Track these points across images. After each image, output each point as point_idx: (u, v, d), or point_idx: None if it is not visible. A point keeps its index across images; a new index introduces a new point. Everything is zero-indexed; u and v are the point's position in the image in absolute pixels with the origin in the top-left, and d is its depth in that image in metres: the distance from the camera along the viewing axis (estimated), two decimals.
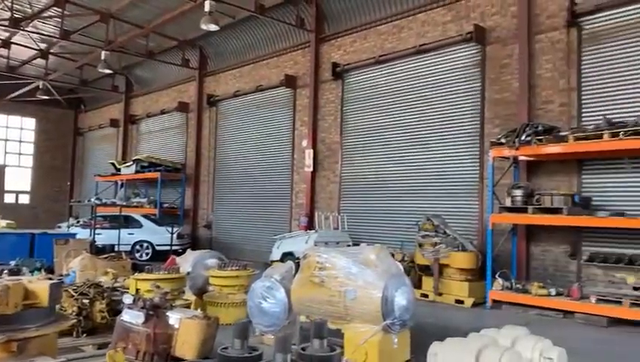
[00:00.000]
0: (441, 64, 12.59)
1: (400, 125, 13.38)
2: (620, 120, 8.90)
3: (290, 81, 16.35)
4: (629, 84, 9.59)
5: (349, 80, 14.87)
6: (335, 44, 15.33)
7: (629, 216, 8.83)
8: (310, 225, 14.24)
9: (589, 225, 9.27)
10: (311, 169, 15.30)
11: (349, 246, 12.05)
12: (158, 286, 6.55)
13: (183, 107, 20.98)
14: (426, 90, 12.84)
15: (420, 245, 10.70)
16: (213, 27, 13.74)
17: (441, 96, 12.52)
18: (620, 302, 8.24)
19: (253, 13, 15.19)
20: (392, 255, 11.02)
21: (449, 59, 12.43)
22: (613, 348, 6.98)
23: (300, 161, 15.94)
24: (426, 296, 10.37)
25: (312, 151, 15.32)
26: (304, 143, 15.73)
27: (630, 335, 7.68)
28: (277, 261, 12.09)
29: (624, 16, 9.70)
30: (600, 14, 9.99)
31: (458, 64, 12.27)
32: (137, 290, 7.09)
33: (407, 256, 11.16)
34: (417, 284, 10.75)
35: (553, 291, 9.19)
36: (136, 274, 7.92)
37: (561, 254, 10.18)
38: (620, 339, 7.45)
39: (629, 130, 8.39)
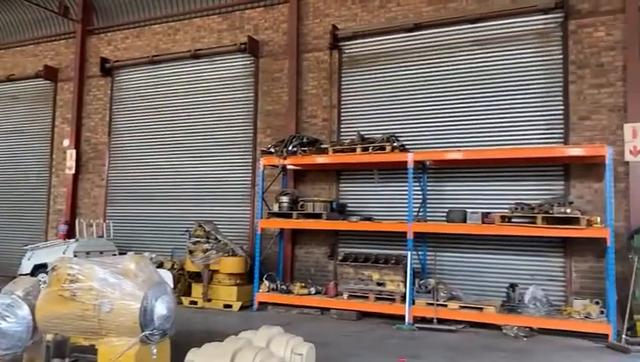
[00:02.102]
0: (216, 71, 12.69)
1: (174, 129, 13.07)
2: (371, 136, 10.08)
3: (50, 73, 14.73)
4: (379, 104, 10.91)
5: (120, 78, 14.01)
6: (105, 38, 14.32)
7: (375, 221, 10.06)
8: (70, 234, 12.96)
9: (344, 229, 10.33)
10: (73, 171, 13.98)
11: (114, 255, 11.29)
12: None
13: None
14: (201, 96, 12.81)
15: (191, 252, 10.57)
16: None
17: (216, 103, 12.62)
18: (367, 297, 9.32)
19: None
20: (162, 263, 10.79)
21: (224, 66, 12.60)
22: (358, 338, 7.81)
23: (60, 162, 14.43)
24: (195, 302, 10.27)
25: (74, 151, 14.01)
26: (65, 143, 14.31)
27: (374, 326, 8.71)
28: (27, 274, 10.70)
29: (376, 44, 11.03)
30: (357, 41, 11.20)
31: (233, 73, 12.52)
32: None
33: (177, 263, 10.93)
34: (187, 292, 10.62)
35: (313, 290, 9.96)
36: None
37: (321, 255, 11.08)
38: (365, 330, 8.40)
39: (376, 146, 9.57)
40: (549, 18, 9.55)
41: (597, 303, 8.12)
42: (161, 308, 4.98)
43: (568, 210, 7.97)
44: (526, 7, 9.61)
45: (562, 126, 9.32)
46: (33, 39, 15.41)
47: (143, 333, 4.88)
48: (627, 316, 7.68)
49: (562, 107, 9.34)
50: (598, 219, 8.20)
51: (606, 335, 7.63)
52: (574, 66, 9.29)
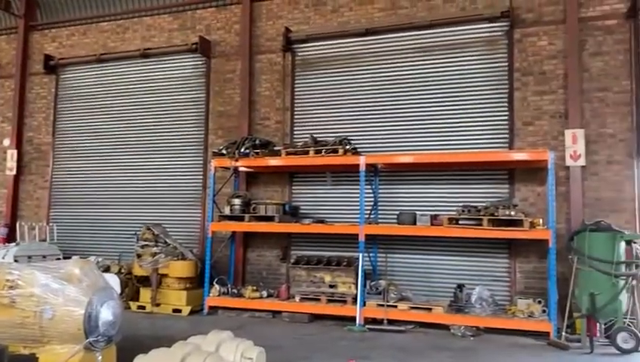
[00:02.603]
0: (166, 70, 12.46)
1: (122, 129, 12.73)
2: (324, 138, 10.12)
3: None
4: (332, 107, 10.98)
5: (66, 76, 13.55)
6: (49, 34, 13.82)
7: (327, 223, 10.10)
8: (11, 237, 12.40)
9: (297, 231, 10.32)
10: (14, 172, 13.40)
11: (58, 259, 10.90)
12: None
13: None
14: (151, 96, 12.53)
15: (139, 256, 10.31)
16: None
17: (166, 103, 12.38)
18: (319, 299, 9.35)
19: None
20: (108, 267, 10.51)
21: (175, 66, 12.39)
22: (310, 340, 7.82)
23: (0, 162, 13.80)
24: (143, 307, 10.02)
25: (15, 151, 13.44)
26: (6, 142, 13.70)
27: (326, 328, 8.75)
28: None
29: (329, 47, 11.10)
30: (310, 44, 11.23)
31: (184, 73, 12.32)
32: None
33: (124, 267, 10.65)
34: (135, 296, 10.36)
35: (265, 293, 9.90)
36: None
37: (273, 258, 11.03)
38: (317, 332, 8.42)
39: (329, 148, 9.64)
40: (496, 27, 9.87)
41: (539, 302, 8.44)
42: (106, 314, 4.84)
43: (513, 213, 8.26)
44: (473, 15, 9.91)
45: (507, 131, 9.65)
46: None
47: (88, 340, 4.73)
48: (567, 314, 8.03)
49: (507, 113, 9.67)
50: (541, 221, 8.53)
51: (547, 333, 7.93)
52: (519, 73, 9.64)
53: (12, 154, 13.46)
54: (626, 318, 7.73)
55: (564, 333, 7.83)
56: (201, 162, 11.88)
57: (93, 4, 13.25)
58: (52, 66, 13.44)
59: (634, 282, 7.62)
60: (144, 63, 12.62)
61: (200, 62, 12.13)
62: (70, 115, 13.39)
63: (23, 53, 13.78)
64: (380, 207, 10.21)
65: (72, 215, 13.02)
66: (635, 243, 7.75)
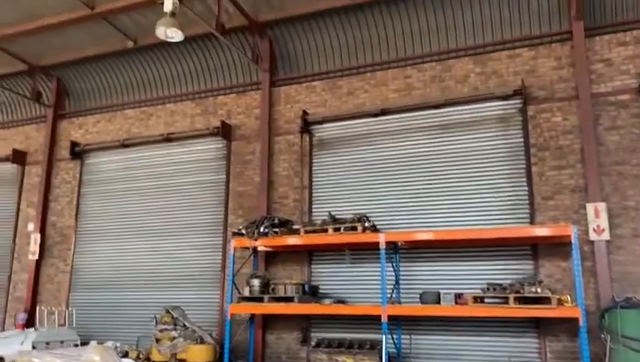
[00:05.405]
0: (188, 154, 12.80)
1: (144, 212, 12.93)
2: (343, 216, 10.14)
3: (18, 157, 14.58)
4: (350, 185, 11.08)
5: (90, 161, 13.97)
6: (76, 122, 14.41)
7: (348, 303, 9.89)
8: (30, 323, 12.32)
9: (317, 313, 10.10)
10: (36, 256, 13.50)
11: (76, 345, 10.77)
12: None
13: None
14: (173, 178, 12.81)
15: (158, 340, 10.14)
16: None
17: (188, 185, 12.62)
18: None
19: None
20: (127, 352, 10.32)
21: (196, 150, 12.74)
22: None
23: (23, 247, 13.98)
24: None
25: (39, 236, 13.62)
26: (30, 227, 13.92)
27: None
28: None
29: (345, 128, 11.37)
30: (326, 125, 11.53)
31: (205, 156, 12.64)
32: None
33: (142, 352, 10.45)
34: None
35: None
36: None
37: (293, 341, 10.74)
38: None
39: (347, 226, 9.61)
40: (509, 104, 10.07)
41: None
42: None
43: (539, 290, 8.01)
44: (486, 94, 10.12)
45: (527, 206, 9.58)
46: (3, 123, 15.39)
47: None
48: None
49: (526, 188, 9.65)
50: (569, 297, 8.25)
51: None
52: (535, 149, 9.71)
53: (35, 239, 13.64)
54: None
55: None
56: (220, 242, 11.90)
57: (118, 92, 13.90)
58: (77, 152, 13.89)
59: None
60: (167, 147, 13.02)
61: (221, 145, 12.47)
62: (93, 199, 13.68)
63: (51, 140, 14.31)
64: (401, 286, 10.01)
65: (91, 298, 12.97)
66: None
